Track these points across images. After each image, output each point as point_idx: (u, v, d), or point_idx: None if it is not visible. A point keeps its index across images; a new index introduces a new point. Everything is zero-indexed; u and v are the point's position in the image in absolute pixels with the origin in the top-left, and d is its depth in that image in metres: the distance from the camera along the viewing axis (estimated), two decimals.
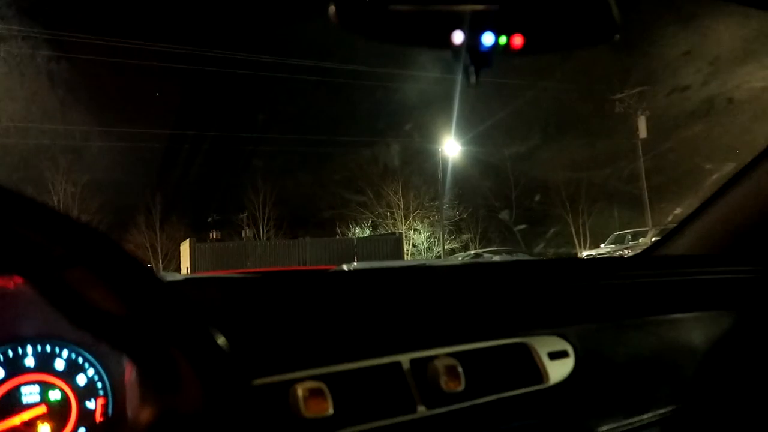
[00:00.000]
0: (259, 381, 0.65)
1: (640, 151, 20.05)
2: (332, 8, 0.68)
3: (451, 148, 21.98)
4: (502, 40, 0.68)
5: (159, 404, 0.40)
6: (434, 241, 23.04)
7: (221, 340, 0.40)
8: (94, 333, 0.39)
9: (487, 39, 0.68)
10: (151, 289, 0.39)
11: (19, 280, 0.37)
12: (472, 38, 0.68)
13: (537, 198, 22.06)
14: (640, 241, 16.35)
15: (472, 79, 0.71)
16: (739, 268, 1.28)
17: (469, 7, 0.69)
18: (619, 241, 17.87)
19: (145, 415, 0.40)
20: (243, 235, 23.38)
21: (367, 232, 23.42)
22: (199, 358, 0.39)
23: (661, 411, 1.05)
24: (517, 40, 0.69)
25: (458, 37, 0.68)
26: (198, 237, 21.63)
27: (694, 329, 1.16)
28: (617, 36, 0.71)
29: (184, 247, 20.07)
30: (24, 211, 0.38)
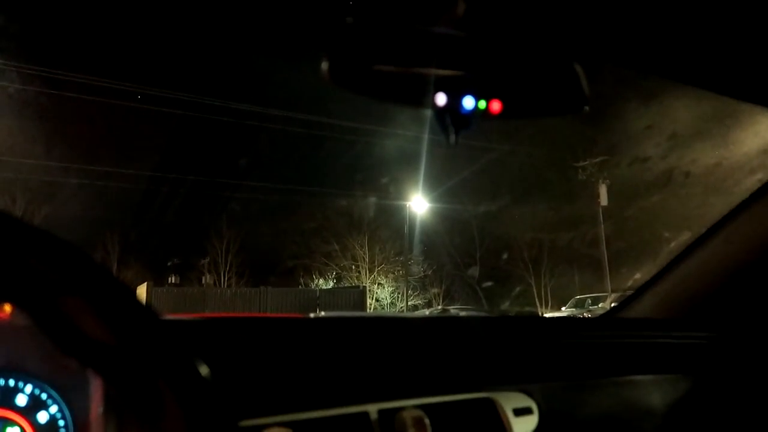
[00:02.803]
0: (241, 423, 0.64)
1: (601, 218, 20.65)
2: (324, 65, 0.72)
3: (418, 204, 22.27)
4: (482, 104, 0.73)
5: None
6: (398, 297, 22.95)
7: (207, 376, 0.41)
8: (84, 361, 0.39)
9: (468, 103, 0.72)
10: (143, 321, 0.40)
11: None
12: (454, 101, 0.73)
13: (502, 258, 22.34)
14: (599, 305, 16.60)
15: (452, 139, 0.75)
16: (695, 334, 1.33)
17: (451, 72, 0.74)
18: (579, 305, 18.11)
19: None
20: (203, 281, 22.89)
21: (331, 284, 23.22)
22: (185, 392, 0.40)
23: None
24: (496, 106, 0.73)
25: (441, 99, 0.72)
26: (156, 280, 21.08)
27: (654, 391, 1.19)
28: (586, 108, 0.76)
29: (141, 291, 19.48)
30: (21, 237, 0.39)
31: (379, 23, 0.72)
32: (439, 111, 0.73)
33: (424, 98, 0.74)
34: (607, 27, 0.82)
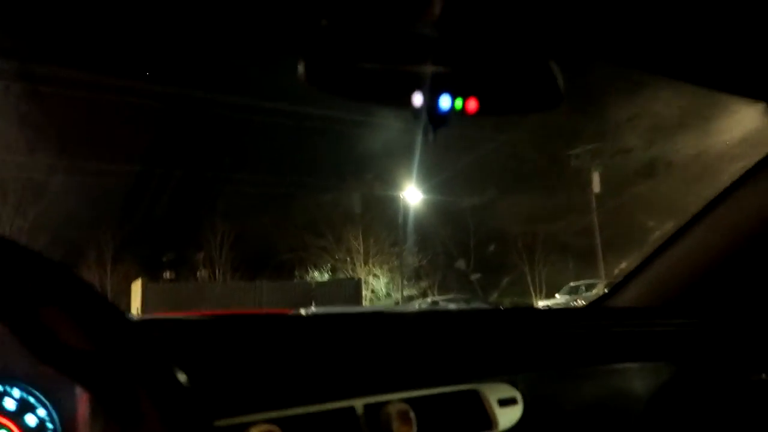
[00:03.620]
0: (216, 423, 0.66)
1: (594, 205, 20.74)
2: (301, 67, 0.72)
3: (412, 195, 22.28)
4: (458, 103, 0.74)
5: None
6: (393, 288, 23.01)
7: (183, 379, 0.42)
8: (62, 369, 0.40)
9: (444, 102, 0.73)
10: (119, 328, 0.41)
11: None
12: (431, 101, 0.74)
13: (495, 247, 22.42)
14: (593, 292, 16.72)
15: (430, 137, 0.76)
16: (679, 321, 1.35)
17: (427, 70, 0.75)
18: (573, 291, 18.23)
19: None
20: (198, 275, 22.86)
21: (327, 277, 23.24)
22: (162, 396, 0.41)
23: None
24: (472, 104, 0.74)
25: (418, 99, 0.73)
26: (151, 276, 21.03)
27: (638, 379, 1.21)
28: (561, 104, 0.78)
29: (136, 287, 19.44)
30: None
31: (355, 24, 0.73)
32: (415, 110, 0.74)
33: (401, 98, 0.75)
34: (582, 24, 0.83)
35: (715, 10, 0.93)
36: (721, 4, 0.92)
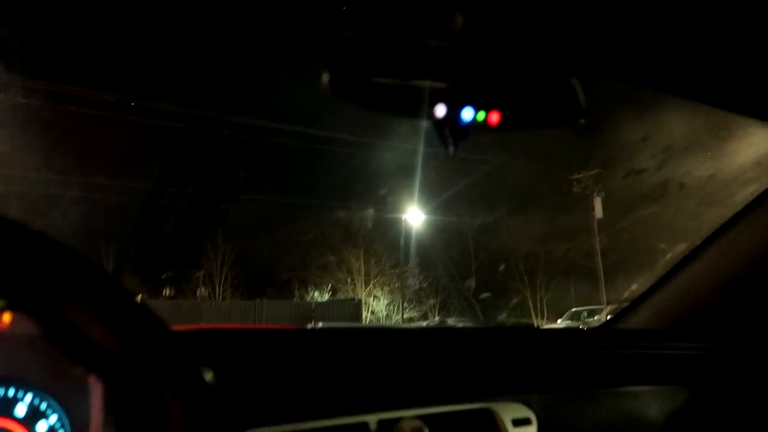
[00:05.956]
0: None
1: (596, 230, 20.70)
2: (325, 78, 0.72)
3: (414, 217, 22.28)
4: (481, 116, 0.74)
5: None
6: (393, 309, 22.88)
7: (211, 381, 0.41)
8: (89, 368, 0.39)
9: (467, 114, 0.73)
10: (150, 329, 0.40)
11: None
12: (453, 112, 0.74)
13: (497, 270, 22.34)
14: (595, 318, 16.61)
15: (451, 150, 0.76)
16: (692, 345, 1.34)
17: (450, 84, 0.75)
18: (575, 317, 18.11)
19: None
20: (198, 293, 22.76)
21: (327, 297, 23.13)
22: (190, 398, 0.40)
23: None
24: (494, 117, 0.74)
25: (441, 110, 0.73)
26: (151, 293, 20.96)
27: (651, 402, 1.19)
28: (582, 120, 0.78)
29: None
30: (27, 245, 0.39)
31: (378, 37, 0.74)
32: (437, 122, 0.74)
33: (422, 110, 0.75)
34: (604, 41, 0.84)
35: (734, 32, 0.94)
36: (740, 27, 0.93)
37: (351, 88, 0.74)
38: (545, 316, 21.73)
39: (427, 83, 0.74)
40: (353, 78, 0.73)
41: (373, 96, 0.75)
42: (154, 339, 0.40)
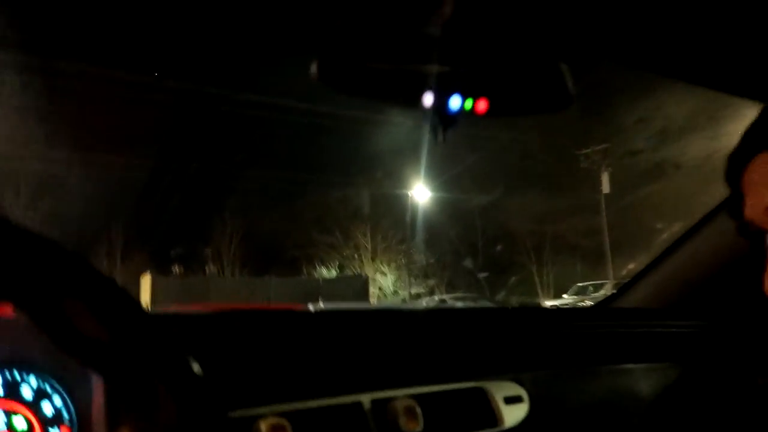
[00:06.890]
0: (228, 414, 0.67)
1: (603, 205, 20.64)
2: (314, 65, 0.73)
3: (420, 193, 22.27)
4: (468, 104, 0.75)
5: (134, 429, 0.43)
6: (400, 285, 23.03)
7: (198, 370, 0.44)
8: (81, 359, 0.41)
9: (454, 102, 0.74)
10: (136, 320, 0.42)
11: None
12: (441, 101, 0.75)
13: (503, 246, 22.40)
14: (601, 292, 16.66)
15: (440, 137, 0.77)
16: (686, 323, 1.35)
17: (437, 70, 0.76)
18: (581, 292, 18.18)
19: None
20: (206, 270, 22.98)
21: (334, 273, 23.29)
22: (177, 387, 0.42)
23: None
24: (482, 105, 0.75)
25: (428, 99, 0.74)
26: (160, 270, 21.19)
27: (643, 380, 1.21)
28: (570, 106, 0.78)
29: (145, 280, 19.60)
30: (21, 243, 0.41)
31: (367, 24, 0.74)
32: (426, 110, 0.75)
33: (411, 98, 0.76)
34: (593, 26, 0.84)
35: (727, 10, 0.93)
36: (733, 4, 0.92)
37: (340, 75, 0.75)
38: (551, 291, 21.82)
39: (415, 71, 0.75)
40: (342, 66, 0.74)
41: (361, 83, 0.76)
42: (142, 331, 0.42)
